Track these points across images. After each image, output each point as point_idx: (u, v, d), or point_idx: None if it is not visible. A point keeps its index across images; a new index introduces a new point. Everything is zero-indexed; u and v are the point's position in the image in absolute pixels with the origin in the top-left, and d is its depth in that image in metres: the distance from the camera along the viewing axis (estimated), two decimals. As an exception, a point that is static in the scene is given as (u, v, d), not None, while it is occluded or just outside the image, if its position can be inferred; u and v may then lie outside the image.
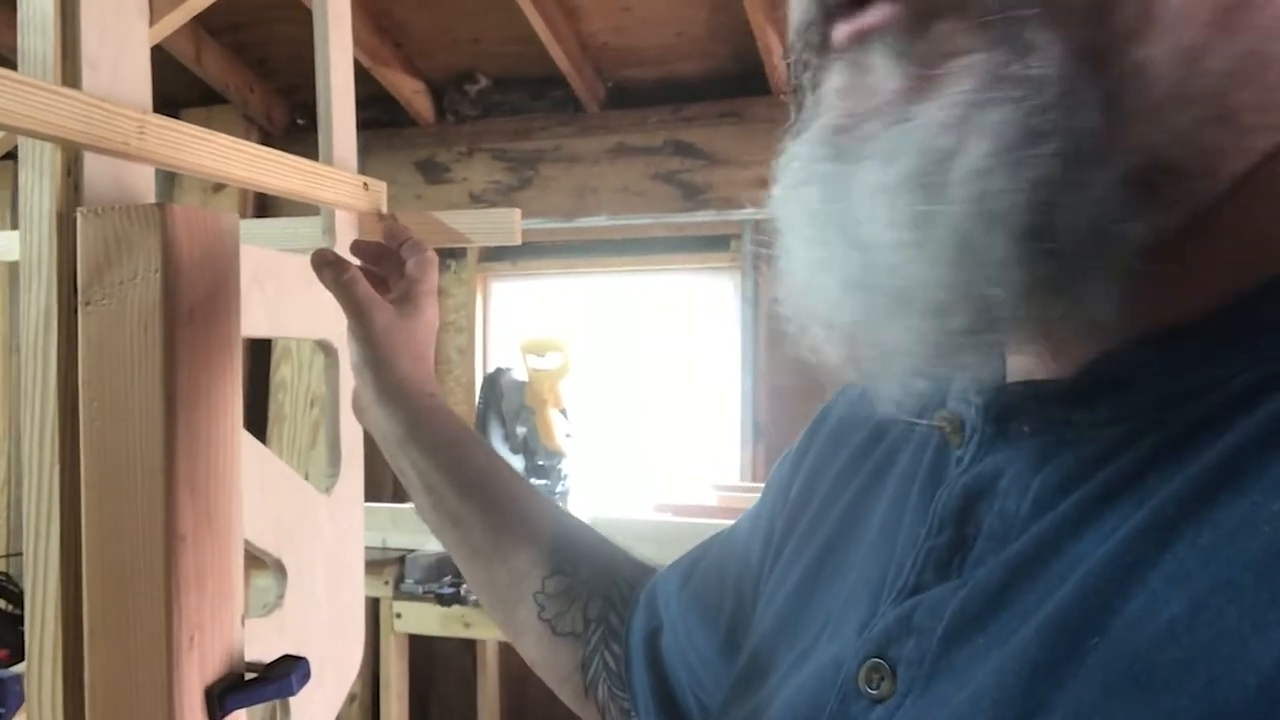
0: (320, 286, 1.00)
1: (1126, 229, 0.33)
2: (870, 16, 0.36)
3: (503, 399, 2.82)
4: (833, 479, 0.54)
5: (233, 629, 0.78)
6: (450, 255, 3.38)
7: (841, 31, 0.37)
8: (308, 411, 3.02)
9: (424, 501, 0.75)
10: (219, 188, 3.19)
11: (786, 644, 0.50)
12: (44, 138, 0.70)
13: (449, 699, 3.34)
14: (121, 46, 0.77)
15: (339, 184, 1.02)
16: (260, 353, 3.20)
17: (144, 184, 0.81)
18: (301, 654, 0.82)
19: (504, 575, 0.70)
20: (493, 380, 2.85)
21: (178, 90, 3.18)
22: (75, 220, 0.74)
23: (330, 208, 1.03)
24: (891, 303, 0.36)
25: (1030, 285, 0.34)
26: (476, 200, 3.29)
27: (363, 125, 3.47)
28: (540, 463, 2.83)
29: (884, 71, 0.36)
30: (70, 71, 0.74)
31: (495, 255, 3.34)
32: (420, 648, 3.02)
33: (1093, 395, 0.37)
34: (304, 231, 1.09)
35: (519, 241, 1.06)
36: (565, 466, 2.86)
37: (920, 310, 0.35)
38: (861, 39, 0.37)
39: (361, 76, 3.03)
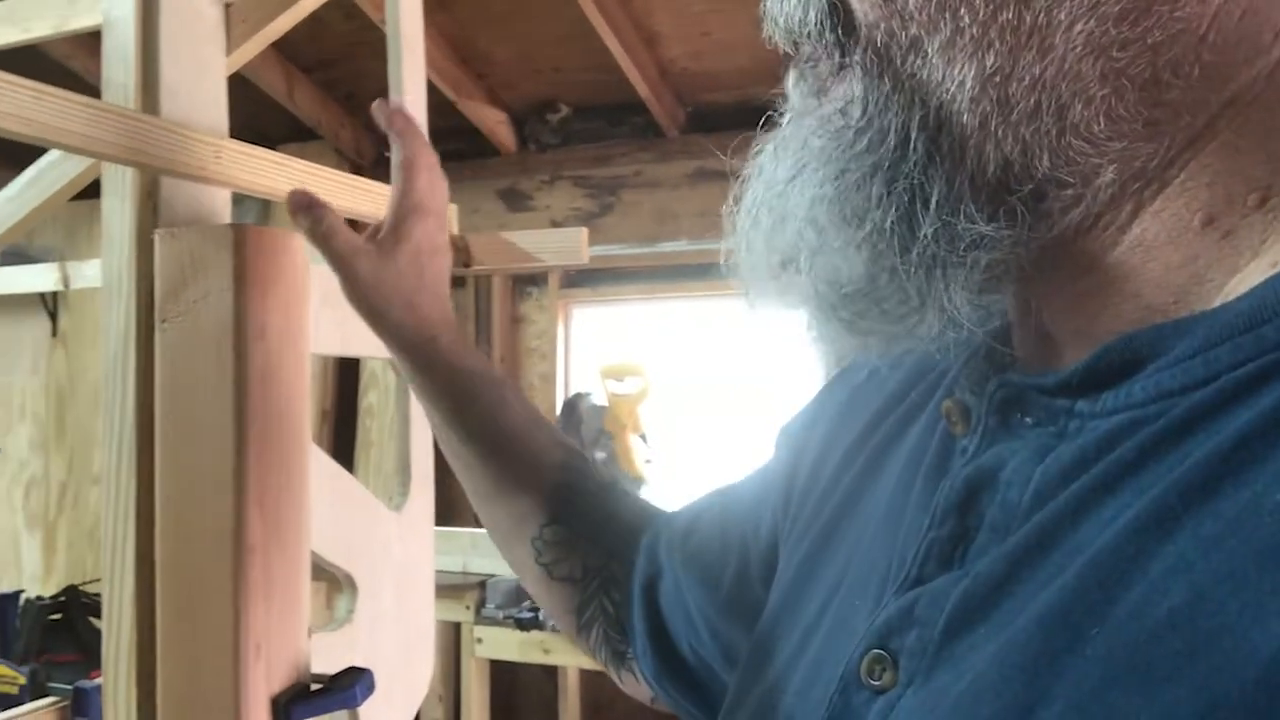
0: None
1: (963, 232, 0.37)
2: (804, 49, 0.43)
3: (582, 424, 2.84)
4: (840, 456, 0.54)
5: (299, 640, 0.80)
6: (532, 282, 3.42)
7: None
8: (394, 437, 3.07)
9: (440, 439, 0.76)
10: (310, 219, 3.29)
11: (788, 626, 0.50)
12: (125, 162, 0.73)
13: (531, 725, 3.35)
14: (199, 75, 0.81)
15: (410, 207, 1.04)
16: (349, 379, 3.28)
17: (221, 207, 0.84)
18: (372, 669, 0.83)
19: (505, 518, 0.71)
20: (571, 405, 2.87)
21: (272, 126, 3.29)
22: (151, 243, 0.77)
23: (402, 230, 1.06)
24: (779, 270, 0.42)
25: (856, 277, 0.39)
26: (558, 227, 3.33)
27: (447, 157, 3.53)
28: (620, 488, 2.83)
29: (793, 90, 0.44)
30: (150, 99, 0.77)
31: (576, 282, 3.37)
32: (503, 673, 3.04)
33: (1095, 386, 0.37)
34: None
35: (586, 260, 1.07)
36: (645, 492, 2.86)
37: (802, 279, 0.41)
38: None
39: (446, 109, 3.10)
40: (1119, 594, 0.32)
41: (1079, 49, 0.34)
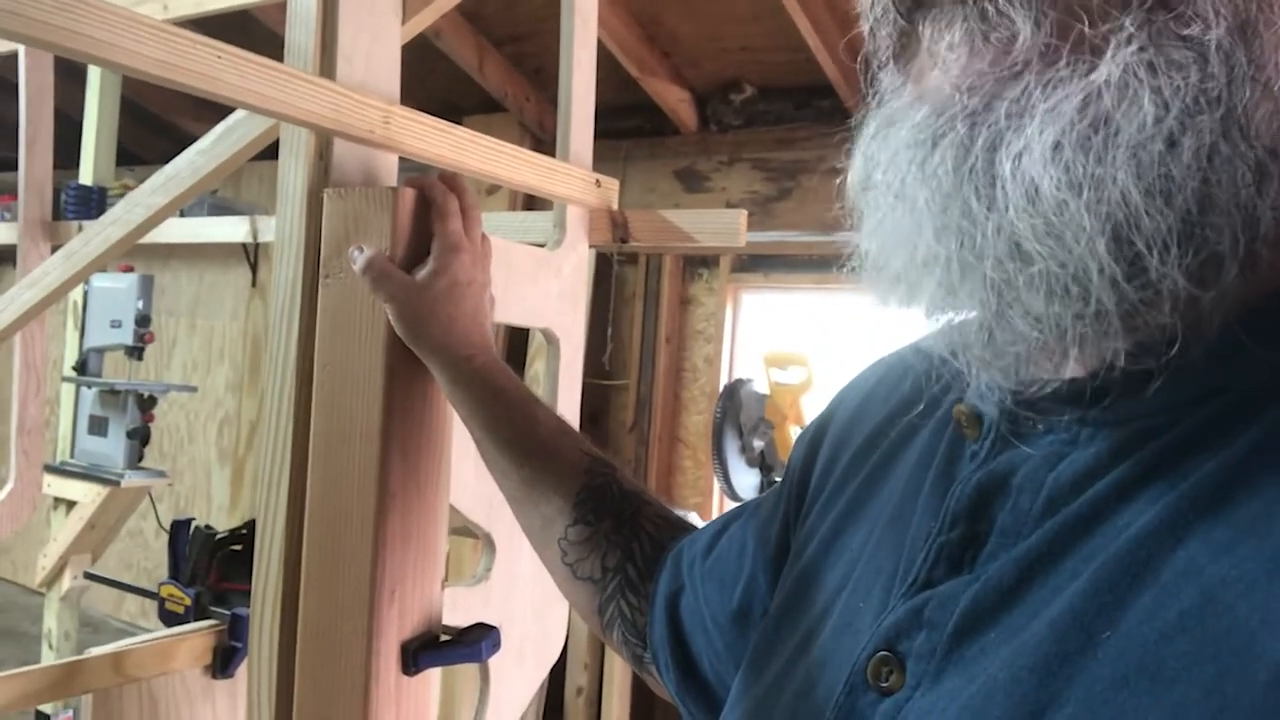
0: (545, 278, 1.04)
1: (1265, 212, 0.33)
2: None
3: (741, 410, 2.82)
4: (848, 461, 0.54)
5: (432, 590, 0.83)
6: (703, 264, 3.42)
7: None
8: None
9: (479, 449, 0.79)
10: (493, 190, 3.38)
11: (789, 627, 0.50)
12: (299, 123, 0.77)
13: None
14: (375, 41, 0.84)
15: (571, 179, 1.05)
16: (518, 347, 3.37)
17: (388, 170, 0.87)
18: (505, 628, 0.86)
19: (535, 520, 0.74)
20: (732, 390, 2.86)
21: (462, 98, 3.40)
22: (320, 201, 0.80)
23: (562, 202, 1.07)
24: (1032, 273, 0.35)
25: (1194, 262, 0.32)
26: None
27: (626, 134, 3.53)
28: (776, 479, 2.81)
29: (1023, 23, 0.35)
30: (327, 63, 0.81)
31: (748, 266, 3.35)
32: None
33: (1108, 395, 0.37)
34: (537, 224, 1.14)
35: (743, 244, 1.06)
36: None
37: (1064, 283, 0.34)
38: None
39: (629, 86, 3.13)
40: (1130, 598, 0.32)
41: None
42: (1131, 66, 0.32)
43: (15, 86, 1.66)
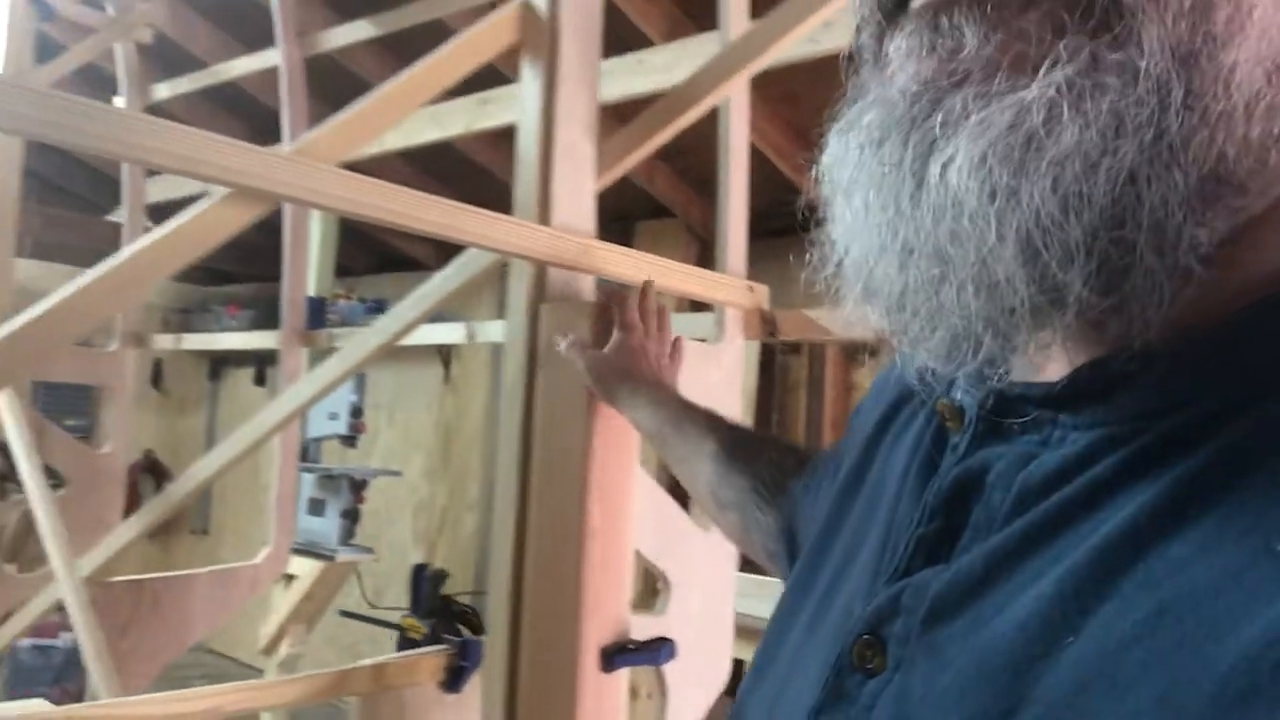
0: (707, 367, 1.29)
1: (1193, 232, 0.34)
2: None
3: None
4: (864, 442, 0.57)
5: (622, 608, 1.07)
6: (868, 351, 3.58)
7: None
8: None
9: (654, 446, 0.99)
10: (662, 288, 3.68)
11: (800, 605, 0.53)
12: (525, 258, 1.05)
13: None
14: (576, 194, 1.12)
15: (727, 287, 1.31)
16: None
17: (587, 286, 1.15)
18: (679, 650, 1.09)
19: (695, 480, 0.92)
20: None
21: (634, 206, 3.72)
22: (538, 312, 1.08)
23: (721, 305, 1.33)
24: (952, 271, 0.36)
25: (1097, 273, 0.34)
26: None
27: (789, 231, 3.78)
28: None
29: (971, 38, 0.36)
30: (544, 212, 1.09)
31: (906, 353, 3.49)
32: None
33: (1078, 401, 0.39)
34: (700, 323, 1.40)
35: (871, 333, 1.28)
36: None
37: (979, 281, 0.36)
38: (946, 3, 0.37)
39: (791, 189, 3.38)
40: (1092, 605, 0.34)
41: None
42: (1062, 87, 0.34)
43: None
